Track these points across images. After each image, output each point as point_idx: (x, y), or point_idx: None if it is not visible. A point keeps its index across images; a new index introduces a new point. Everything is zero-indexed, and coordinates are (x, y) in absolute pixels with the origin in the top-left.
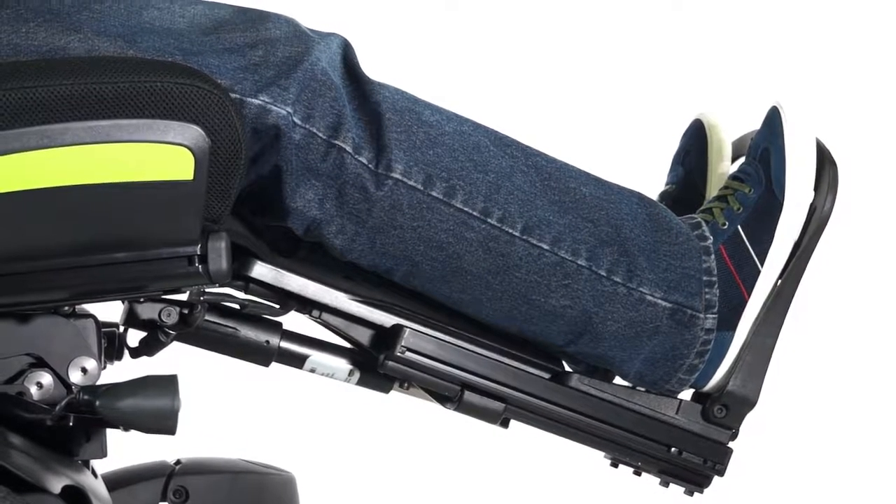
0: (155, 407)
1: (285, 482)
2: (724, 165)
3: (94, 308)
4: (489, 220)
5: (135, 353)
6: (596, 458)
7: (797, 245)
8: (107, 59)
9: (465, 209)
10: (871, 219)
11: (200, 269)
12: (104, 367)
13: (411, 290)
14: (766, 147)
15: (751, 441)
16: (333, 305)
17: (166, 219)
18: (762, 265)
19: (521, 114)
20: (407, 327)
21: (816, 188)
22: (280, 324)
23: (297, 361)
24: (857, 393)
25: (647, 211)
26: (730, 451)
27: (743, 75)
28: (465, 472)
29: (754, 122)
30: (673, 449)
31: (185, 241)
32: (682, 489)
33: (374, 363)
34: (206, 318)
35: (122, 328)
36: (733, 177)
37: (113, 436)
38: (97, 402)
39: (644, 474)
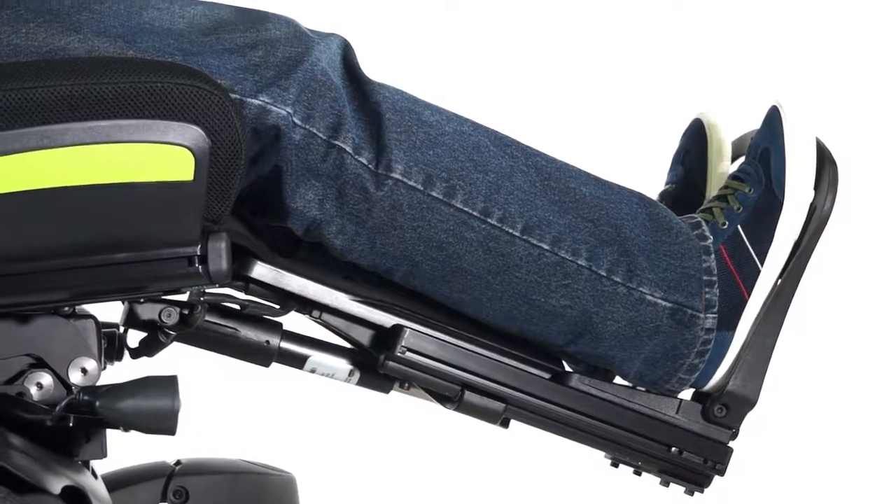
0: (155, 407)
1: (285, 483)
2: (723, 165)
3: (94, 308)
4: (489, 220)
5: (135, 353)
6: (596, 458)
7: (797, 245)
8: (107, 60)
9: (465, 209)
10: (871, 218)
11: (200, 270)
12: (104, 368)
13: (411, 291)
14: (766, 147)
15: (751, 441)
16: (333, 306)
17: (166, 219)
18: (762, 265)
19: (521, 114)
20: (407, 327)
21: (816, 188)
22: (280, 324)
23: (298, 362)
24: (858, 393)
25: (647, 211)
26: (730, 451)
27: (743, 75)
28: (465, 472)
29: (754, 122)
30: (673, 448)
31: (186, 241)
32: (683, 489)
33: (375, 363)
34: (207, 318)
35: (122, 329)
36: (733, 176)
37: (113, 436)
38: (97, 403)
39: (644, 474)
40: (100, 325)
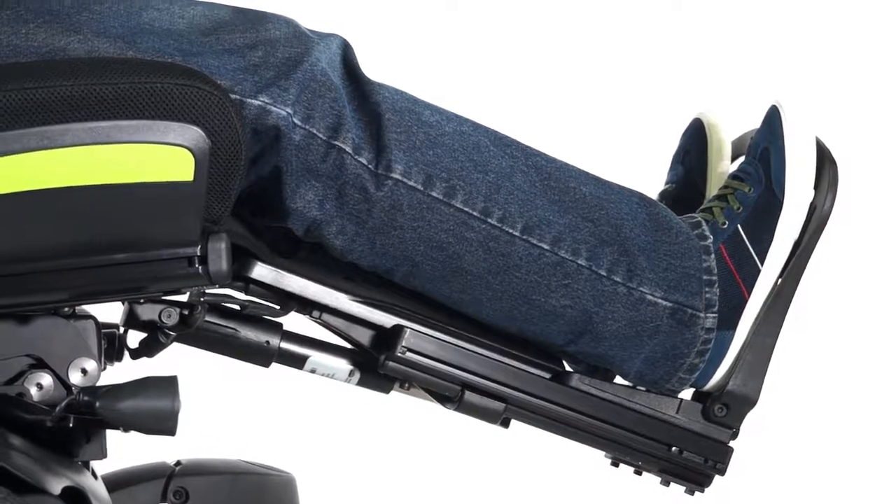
0: (155, 408)
1: (285, 483)
2: (723, 164)
3: (94, 309)
4: (489, 220)
5: (135, 354)
6: (597, 458)
7: (797, 244)
8: (107, 61)
9: (465, 209)
10: (871, 217)
11: (200, 270)
12: (104, 369)
13: (411, 291)
14: (765, 146)
15: (751, 440)
16: (334, 306)
17: (166, 220)
18: (762, 264)
19: (521, 114)
20: (407, 328)
21: (816, 187)
22: (280, 324)
23: (298, 362)
24: (858, 392)
25: (647, 210)
26: (730, 451)
27: (743, 75)
28: (465, 472)
29: (754, 121)
30: (674, 448)
31: (186, 242)
32: (683, 488)
33: (375, 364)
34: (207, 319)
35: (122, 329)
36: (733, 176)
37: (113, 437)
38: (97, 403)
39: (645, 473)
40: (100, 326)
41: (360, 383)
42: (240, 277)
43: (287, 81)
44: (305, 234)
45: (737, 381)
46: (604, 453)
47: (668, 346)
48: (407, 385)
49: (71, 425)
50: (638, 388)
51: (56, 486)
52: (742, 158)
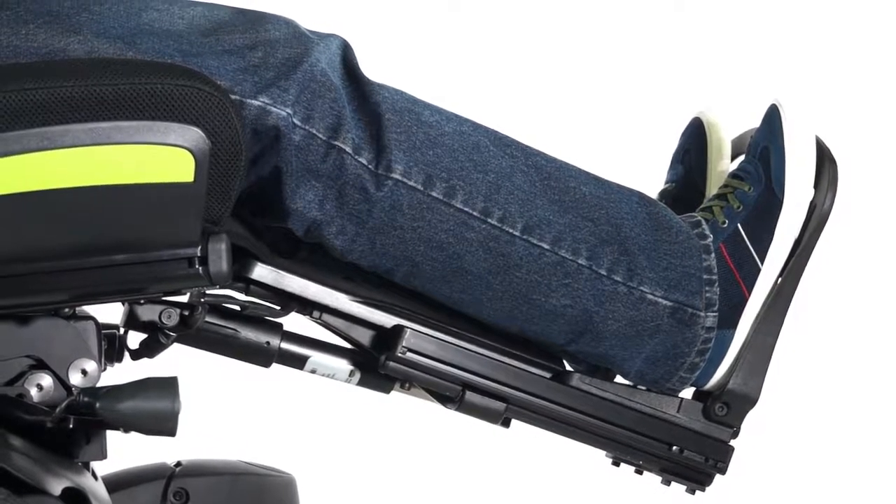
0: (155, 409)
1: (285, 484)
2: (723, 164)
3: (94, 310)
4: (489, 220)
5: (135, 354)
6: (597, 457)
7: (797, 243)
8: (107, 61)
9: (466, 209)
10: (871, 217)
11: (201, 271)
12: (104, 369)
13: (412, 291)
14: (765, 145)
15: (752, 439)
16: (334, 306)
17: (166, 221)
18: (762, 263)
19: (521, 114)
20: (408, 328)
21: (816, 186)
22: (280, 325)
23: (298, 362)
24: (858, 391)
25: (647, 210)
26: (731, 450)
27: (743, 74)
28: (465, 472)
29: (754, 121)
30: (674, 447)
31: (186, 242)
32: (684, 487)
33: (375, 364)
34: (207, 319)
35: (122, 330)
36: (733, 175)
37: (113, 437)
38: (97, 404)
39: (646, 473)
40: (100, 327)
41: (361, 383)
42: (240, 278)
43: (287, 82)
44: (305, 234)
45: (737, 380)
46: (605, 453)
47: (668, 345)
48: (407, 385)
49: (71, 426)
50: (638, 387)
51: (56, 486)
52: (742, 157)
